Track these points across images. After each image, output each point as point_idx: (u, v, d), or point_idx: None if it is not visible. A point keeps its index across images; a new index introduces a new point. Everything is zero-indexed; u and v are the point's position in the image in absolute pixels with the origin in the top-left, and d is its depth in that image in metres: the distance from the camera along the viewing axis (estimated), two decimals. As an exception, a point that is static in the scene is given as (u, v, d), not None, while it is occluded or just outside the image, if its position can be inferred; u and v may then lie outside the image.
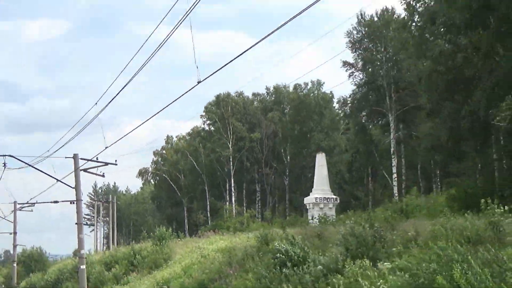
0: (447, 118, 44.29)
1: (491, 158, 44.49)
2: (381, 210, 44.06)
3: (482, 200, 22.72)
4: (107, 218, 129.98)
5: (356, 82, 75.11)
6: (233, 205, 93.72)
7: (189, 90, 25.46)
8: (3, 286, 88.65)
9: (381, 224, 27.42)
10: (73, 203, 42.29)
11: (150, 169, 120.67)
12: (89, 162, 41.76)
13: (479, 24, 36.42)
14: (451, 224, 23.45)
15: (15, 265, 77.38)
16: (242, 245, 37.62)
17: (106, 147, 36.39)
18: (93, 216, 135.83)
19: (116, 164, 41.14)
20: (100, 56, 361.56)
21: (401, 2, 48.91)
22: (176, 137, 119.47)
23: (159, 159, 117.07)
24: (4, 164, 40.31)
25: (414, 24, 49.89)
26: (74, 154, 40.78)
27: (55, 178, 42.05)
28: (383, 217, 32.79)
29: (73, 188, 40.88)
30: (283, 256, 27.24)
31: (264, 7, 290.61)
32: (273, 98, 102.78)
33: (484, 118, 36.39)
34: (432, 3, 45.18)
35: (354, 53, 73.62)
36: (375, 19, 72.06)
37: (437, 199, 50.07)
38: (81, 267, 40.01)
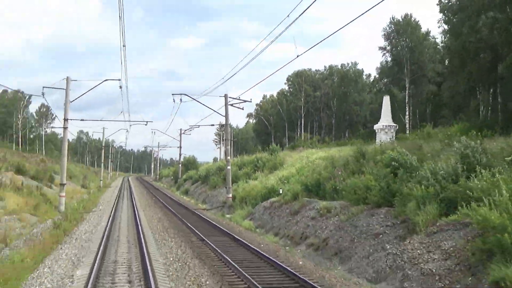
0: (468, 75, 36.17)
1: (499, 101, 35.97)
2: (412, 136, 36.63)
3: None
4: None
5: (385, 59, 68.45)
6: (303, 134, 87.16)
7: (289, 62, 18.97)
8: (172, 177, 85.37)
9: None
10: (222, 126, 36.11)
11: (253, 113, 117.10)
12: (234, 100, 35.32)
13: None
14: None
15: (180, 165, 73.74)
16: (337, 155, 29.75)
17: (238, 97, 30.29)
18: (218, 139, 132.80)
19: (250, 101, 36.15)
20: (220, 56, 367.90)
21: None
22: (269, 95, 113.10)
23: (259, 108, 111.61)
24: (180, 100, 35.73)
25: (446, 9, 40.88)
26: (225, 94, 35.18)
27: (212, 109, 37.03)
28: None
29: (223, 116, 34.41)
30: (397, 163, 18.90)
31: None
32: (327, 72, 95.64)
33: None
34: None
35: (386, 41, 66.65)
36: (401, 20, 65.44)
37: (446, 130, 41.70)
38: (228, 167, 34.91)
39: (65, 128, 30.55)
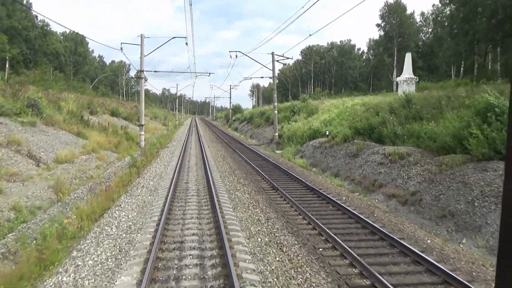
0: (471, 36, 25.73)
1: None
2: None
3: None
4: (255, 94, 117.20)
5: (380, 33, 57.14)
6: (313, 90, 76.88)
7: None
8: (224, 118, 76.82)
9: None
10: (271, 78, 26.54)
11: (276, 75, 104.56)
12: (279, 57, 25.78)
13: None
14: None
15: (230, 110, 64.73)
16: (373, 102, 20.55)
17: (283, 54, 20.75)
18: (252, 92, 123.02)
19: (292, 59, 27.23)
20: (247, 45, 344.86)
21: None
22: (288, 64, 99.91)
23: (280, 72, 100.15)
24: (236, 56, 26.53)
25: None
26: (272, 52, 25.76)
27: (261, 64, 27.80)
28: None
29: (271, 70, 25.00)
30: (498, 109, 9.94)
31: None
32: (329, 46, 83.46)
33: None
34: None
35: (381, 20, 54.74)
36: (392, 2, 53.25)
37: (442, 84, 32.03)
38: (275, 111, 26.47)
39: (141, 78, 21.93)
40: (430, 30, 52.23)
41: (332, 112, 23.14)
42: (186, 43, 22.98)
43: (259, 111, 42.63)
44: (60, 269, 5.09)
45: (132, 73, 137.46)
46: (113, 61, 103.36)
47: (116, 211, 8.13)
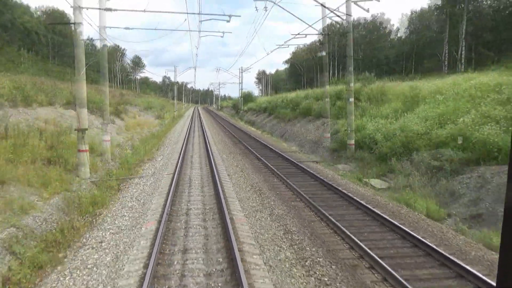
0: None
1: None
2: None
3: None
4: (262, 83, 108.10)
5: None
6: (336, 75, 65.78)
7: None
8: (232, 107, 66.81)
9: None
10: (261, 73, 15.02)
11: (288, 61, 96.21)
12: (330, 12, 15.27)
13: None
14: None
15: (240, 98, 54.51)
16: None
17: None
18: (258, 82, 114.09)
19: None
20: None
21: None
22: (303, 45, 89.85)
23: (293, 56, 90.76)
24: (265, 8, 19.10)
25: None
26: (321, 4, 14.34)
27: (306, 23, 17.38)
28: None
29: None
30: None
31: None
32: (356, 23, 70.98)
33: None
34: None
35: None
36: None
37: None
38: (350, 99, 14.82)
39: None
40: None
41: (444, 101, 12.83)
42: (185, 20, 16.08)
43: (283, 98, 32.30)
44: None
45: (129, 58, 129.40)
46: (104, 45, 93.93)
47: None
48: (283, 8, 17.04)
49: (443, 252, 5.50)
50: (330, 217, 7.01)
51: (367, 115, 15.92)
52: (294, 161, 13.24)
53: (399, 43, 62.18)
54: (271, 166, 12.11)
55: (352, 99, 14.46)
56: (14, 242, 5.06)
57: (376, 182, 10.53)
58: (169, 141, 19.38)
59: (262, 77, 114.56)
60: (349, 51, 15.16)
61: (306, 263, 5.09)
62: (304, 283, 4.47)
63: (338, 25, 35.81)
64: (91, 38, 67.13)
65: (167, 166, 12.20)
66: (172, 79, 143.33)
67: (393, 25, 70.66)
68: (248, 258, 4.99)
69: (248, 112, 45.43)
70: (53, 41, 58.39)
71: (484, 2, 39.79)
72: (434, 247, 5.71)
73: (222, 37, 29.95)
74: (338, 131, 16.63)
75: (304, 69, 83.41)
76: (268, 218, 6.96)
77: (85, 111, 10.75)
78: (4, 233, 5.35)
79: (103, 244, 5.65)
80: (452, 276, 4.94)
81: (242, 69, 55.96)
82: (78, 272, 4.74)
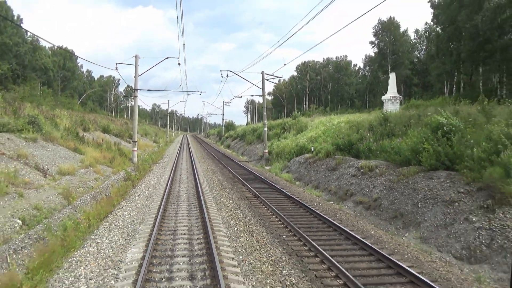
0: (456, 56, 28.91)
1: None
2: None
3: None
4: (250, 110, 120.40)
5: (374, 51, 60.72)
6: (308, 106, 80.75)
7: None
8: (217, 135, 79.55)
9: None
10: (261, 96, 29.43)
11: (271, 91, 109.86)
12: (269, 76, 28.61)
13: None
14: None
15: (223, 127, 67.78)
16: (357, 120, 23.14)
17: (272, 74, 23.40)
18: (247, 109, 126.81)
19: (282, 77, 29.26)
20: (244, 57, 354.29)
21: None
22: (283, 80, 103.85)
23: (275, 87, 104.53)
24: (227, 74, 29.26)
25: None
26: (262, 71, 28.73)
27: (252, 83, 31.62)
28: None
29: (261, 88, 27.73)
30: (448, 128, 12.44)
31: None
32: (326, 62, 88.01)
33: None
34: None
35: (374, 37, 59.11)
36: (386, 21, 57.47)
37: (428, 103, 34.93)
38: (265, 128, 28.42)
39: (135, 96, 24.48)
40: (424, 47, 55.95)
41: (319, 129, 25.70)
42: (179, 63, 25.15)
43: (251, 128, 45.28)
44: (85, 245, 7.36)
45: (121, 88, 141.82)
46: (101, 76, 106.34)
47: (120, 212, 10.40)
48: (238, 75, 29.66)
49: (265, 179, 17.63)
50: (241, 178, 19.06)
51: (282, 137, 28.76)
52: (239, 163, 25.66)
53: (357, 81, 77.04)
54: (226, 165, 24.37)
55: (266, 129, 27.36)
56: (128, 173, 17.21)
57: (267, 167, 23.07)
58: (166, 154, 31.79)
59: (249, 106, 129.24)
60: (264, 103, 27.99)
61: (223, 187, 17.17)
62: (220, 190, 16.52)
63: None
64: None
65: (168, 163, 24.44)
66: (163, 107, 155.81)
67: (356, 65, 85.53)
68: (203, 185, 17.05)
69: (228, 138, 58.06)
70: (63, 76, 71.23)
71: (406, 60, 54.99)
72: (262, 177, 17.93)
73: (200, 94, 43.70)
74: (271, 148, 29.10)
75: (285, 100, 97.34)
76: (214, 177, 19.05)
77: (136, 134, 23.19)
78: (121, 173, 17.56)
79: (155, 173, 17.76)
80: (287, 200, 17.06)
81: (224, 103, 69.11)
82: (150, 178, 16.94)
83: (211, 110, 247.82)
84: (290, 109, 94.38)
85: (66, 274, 6.26)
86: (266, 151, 27.97)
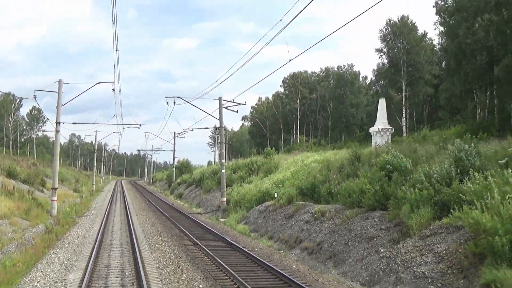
0: (463, 76, 36.76)
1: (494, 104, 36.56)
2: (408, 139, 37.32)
3: None
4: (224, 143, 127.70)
5: (382, 61, 68.90)
6: (299, 137, 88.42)
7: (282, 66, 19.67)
8: (166, 181, 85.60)
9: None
10: (217, 129, 36.50)
11: (248, 116, 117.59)
12: (228, 102, 35.58)
13: None
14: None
15: (174, 169, 74.20)
16: (333, 158, 30.07)
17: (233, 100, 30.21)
18: (213, 142, 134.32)
19: (245, 104, 36.37)
20: (215, 58, 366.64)
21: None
22: (264, 98, 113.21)
23: (254, 110, 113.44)
24: (174, 103, 36.20)
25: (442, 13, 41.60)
26: (219, 97, 35.69)
27: (206, 112, 37.69)
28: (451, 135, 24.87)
29: (218, 119, 34.69)
30: (391, 166, 19.15)
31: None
32: (324, 74, 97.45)
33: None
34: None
35: (382, 43, 67.10)
36: (397, 21, 66.05)
37: (443, 133, 42.38)
38: (222, 171, 35.61)
39: (57, 131, 30.69)
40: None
41: (289, 170, 32.39)
42: (113, 89, 29.86)
43: (211, 170, 51.78)
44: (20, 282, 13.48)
45: (24, 110, 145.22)
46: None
47: (51, 256, 16.53)
48: (187, 101, 36.30)
49: (213, 230, 23.81)
50: (184, 229, 25.14)
51: (247, 182, 35.29)
52: (189, 216, 32.10)
53: (368, 101, 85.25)
54: (171, 218, 30.50)
55: (223, 171, 33.85)
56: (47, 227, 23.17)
57: (222, 219, 29.47)
58: (94, 205, 37.83)
59: (217, 137, 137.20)
60: (221, 139, 34.74)
61: (161, 238, 23.28)
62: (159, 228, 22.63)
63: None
64: None
65: (98, 216, 30.42)
66: (88, 139, 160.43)
67: (365, 77, 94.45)
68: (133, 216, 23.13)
69: (181, 185, 64.26)
70: None
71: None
72: (210, 228, 24.19)
73: (139, 127, 50.95)
74: (230, 196, 35.45)
75: (267, 128, 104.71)
76: (158, 237, 25.17)
77: (56, 178, 29.28)
78: (40, 226, 23.57)
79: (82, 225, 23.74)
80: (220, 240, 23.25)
81: (176, 134, 75.56)
82: (69, 238, 22.97)
83: (159, 144, 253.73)
84: (276, 140, 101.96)
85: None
86: (224, 199, 34.31)
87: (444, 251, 12.80)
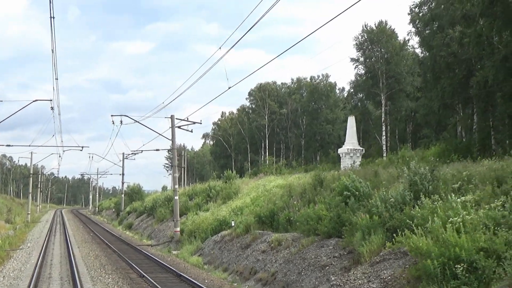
0: (441, 91, 39.46)
1: (474, 121, 39.33)
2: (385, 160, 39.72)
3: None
4: (178, 167, 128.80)
5: (358, 72, 72.53)
6: (267, 158, 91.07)
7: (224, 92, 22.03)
8: (113, 210, 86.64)
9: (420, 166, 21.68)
10: (170, 151, 38.42)
11: (210, 133, 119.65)
12: (182, 121, 37.57)
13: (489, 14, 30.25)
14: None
15: (123, 195, 75.64)
16: (296, 183, 32.34)
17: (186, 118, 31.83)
18: (171, 165, 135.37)
19: (200, 123, 38.54)
20: (173, 64, 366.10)
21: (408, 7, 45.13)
22: (228, 112, 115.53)
23: (216, 127, 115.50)
24: (121, 122, 38.68)
25: (416, 23, 44.71)
26: (171, 115, 37.78)
27: (157, 132, 39.44)
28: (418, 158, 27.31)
29: (170, 140, 36.69)
30: (349, 192, 21.39)
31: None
32: (295, 86, 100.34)
33: (491, 85, 31.24)
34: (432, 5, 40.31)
35: (358, 52, 70.40)
36: (374, 28, 69.14)
37: (423, 153, 45.19)
38: (175, 197, 37.42)
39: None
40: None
41: (249, 196, 34.47)
42: (52, 108, 31.22)
43: (164, 197, 53.45)
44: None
45: None
46: None
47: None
48: (135, 121, 38.07)
49: (162, 262, 25.62)
50: (131, 262, 26.85)
51: (204, 209, 37.25)
52: (139, 248, 33.76)
53: (345, 116, 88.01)
54: (118, 251, 32.12)
55: (177, 197, 35.75)
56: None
57: (175, 252, 31.32)
58: (31, 237, 39.16)
59: (174, 158, 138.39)
60: (174, 162, 36.66)
61: (105, 271, 24.99)
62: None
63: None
64: None
65: (35, 248, 31.83)
66: (22, 161, 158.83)
67: (342, 89, 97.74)
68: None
69: (131, 214, 65.65)
70: None
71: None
72: (160, 261, 26.00)
73: (81, 150, 53.20)
74: (185, 226, 37.24)
75: (231, 147, 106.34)
76: (102, 270, 26.82)
77: None
78: None
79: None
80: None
81: (124, 155, 76.71)
82: (4, 272, 24.50)
83: (106, 167, 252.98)
84: (242, 162, 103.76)
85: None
86: (178, 229, 36.07)
87: (389, 277, 14.94)
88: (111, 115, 37.30)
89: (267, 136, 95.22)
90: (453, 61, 37.29)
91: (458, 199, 15.76)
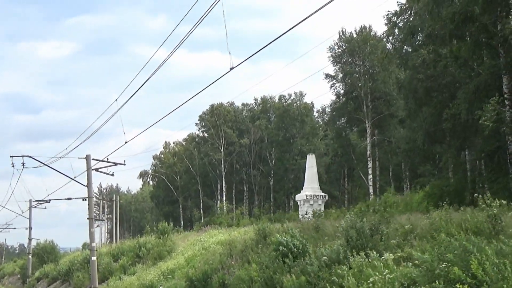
0: (424, 122, 43.14)
1: (466, 159, 43.31)
2: (359, 207, 43.42)
3: (475, 195, 22.06)
4: (110, 215, 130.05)
5: (336, 92, 75.44)
6: (224, 203, 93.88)
7: (184, 102, 25.84)
8: (19, 276, 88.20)
9: (374, 218, 25.81)
10: (85, 200, 41.90)
11: (150, 171, 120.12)
12: (100, 162, 40.98)
13: (460, 35, 34.55)
14: (448, 217, 22.03)
15: (30, 257, 77.72)
16: (240, 238, 36.26)
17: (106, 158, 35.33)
18: (98, 214, 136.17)
19: (124, 164, 41.25)
20: (105, 73, 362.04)
21: (383, 17, 48.81)
22: (173, 143, 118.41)
23: (158, 162, 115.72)
24: (23, 164, 40.09)
25: (394, 36, 48.89)
26: (86, 155, 40.37)
27: (69, 177, 42.00)
28: (373, 212, 31.45)
29: (85, 186, 40.12)
30: (285, 248, 25.44)
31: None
32: (260, 108, 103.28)
33: (465, 120, 34.95)
34: (411, 18, 44.28)
35: (335, 66, 73.33)
36: (355, 35, 71.76)
37: (412, 197, 49.41)
38: (92, 258, 40.17)
39: None
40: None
41: (183, 256, 38.35)
42: None
43: (83, 257, 56.63)
44: None
45: None
46: None
47: None
48: (43, 163, 41.29)
49: None
50: None
51: (130, 272, 41.14)
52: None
53: (326, 146, 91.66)
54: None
55: (94, 258, 39.56)
56: None
57: None
58: None
59: (104, 203, 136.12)
60: (90, 214, 40.52)
61: None
62: None
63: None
64: None
65: None
66: None
67: (322, 110, 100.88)
68: None
69: (41, 281, 68.21)
70: None
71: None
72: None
73: None
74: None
75: (179, 188, 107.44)
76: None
77: None
78: None
79: None
80: None
81: (31, 203, 78.17)
82: None
83: (9, 217, 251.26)
84: (192, 208, 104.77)
85: None
86: (97, 297, 39.57)
87: None
88: (10, 156, 40.06)
89: (223, 175, 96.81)
90: (432, 85, 40.99)
91: (382, 257, 19.80)
